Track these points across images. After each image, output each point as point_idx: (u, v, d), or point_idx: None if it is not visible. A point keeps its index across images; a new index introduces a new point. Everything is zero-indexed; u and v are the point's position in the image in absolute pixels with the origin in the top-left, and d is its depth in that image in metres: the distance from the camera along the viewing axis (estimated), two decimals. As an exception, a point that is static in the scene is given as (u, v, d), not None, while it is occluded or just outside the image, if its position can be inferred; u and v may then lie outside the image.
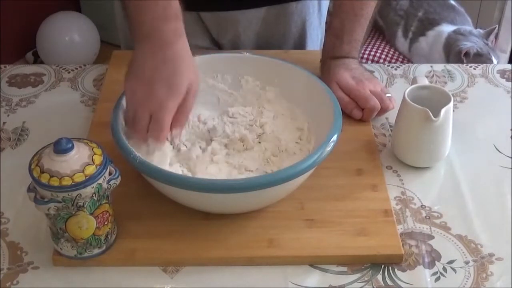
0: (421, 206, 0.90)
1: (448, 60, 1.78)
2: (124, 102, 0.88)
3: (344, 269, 0.81)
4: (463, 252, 0.84)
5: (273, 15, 1.19)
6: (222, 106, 0.99)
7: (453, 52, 1.77)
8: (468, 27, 1.89)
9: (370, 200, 0.88)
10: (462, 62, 1.64)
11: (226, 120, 0.96)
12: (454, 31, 1.83)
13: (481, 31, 1.85)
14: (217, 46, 1.24)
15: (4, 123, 1.04)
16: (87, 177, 0.72)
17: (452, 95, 0.94)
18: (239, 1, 1.16)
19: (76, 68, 1.17)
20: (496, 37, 1.96)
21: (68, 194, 0.72)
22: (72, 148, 0.72)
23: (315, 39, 1.28)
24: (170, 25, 0.83)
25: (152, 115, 0.82)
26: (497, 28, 1.89)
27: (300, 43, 1.25)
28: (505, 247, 0.84)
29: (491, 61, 1.75)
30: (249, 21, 1.19)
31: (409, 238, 0.85)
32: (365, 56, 1.92)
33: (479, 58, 1.74)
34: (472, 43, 1.76)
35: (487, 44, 1.79)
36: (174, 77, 0.82)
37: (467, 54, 1.74)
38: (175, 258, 0.81)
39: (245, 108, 0.98)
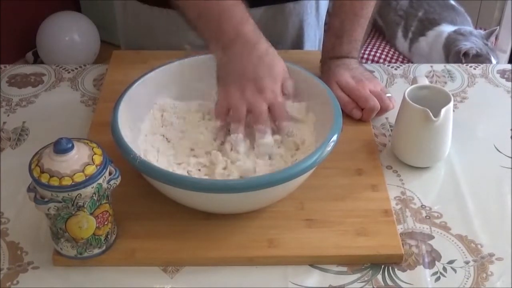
0: (421, 206, 0.90)
1: (447, 60, 1.78)
2: (124, 102, 0.88)
3: (344, 269, 0.81)
4: (463, 252, 0.84)
5: (271, 15, 1.19)
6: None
7: (453, 52, 1.77)
8: (469, 27, 1.88)
9: (370, 200, 0.88)
10: (461, 62, 1.64)
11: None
12: (454, 31, 1.83)
13: (482, 31, 1.85)
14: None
15: (4, 123, 1.04)
16: (87, 177, 0.72)
17: (452, 95, 0.94)
18: None
19: (76, 68, 1.17)
20: (496, 37, 1.96)
21: (68, 194, 0.72)
22: (72, 148, 0.72)
23: (313, 39, 1.28)
24: (250, 27, 0.88)
25: (269, 105, 0.87)
26: (498, 29, 1.89)
27: (298, 43, 1.25)
28: (505, 247, 0.84)
29: (490, 62, 1.75)
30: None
31: (409, 238, 0.85)
32: (365, 56, 1.92)
33: (478, 58, 1.74)
34: (472, 43, 1.76)
35: (486, 45, 1.79)
36: (273, 68, 0.88)
37: (466, 54, 1.74)
38: (175, 258, 0.81)
39: None
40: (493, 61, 1.76)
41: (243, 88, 0.87)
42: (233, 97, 0.87)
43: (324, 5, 1.27)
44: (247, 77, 0.87)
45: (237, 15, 0.88)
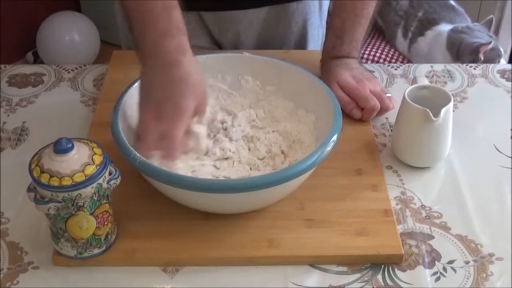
0: (421, 206, 0.90)
1: (456, 59, 1.75)
2: (124, 101, 0.88)
3: (344, 269, 0.81)
4: (463, 252, 0.84)
5: (274, 15, 1.19)
6: (222, 106, 0.99)
7: (469, 50, 1.73)
8: (464, 24, 1.86)
9: (370, 200, 0.88)
10: (478, 60, 1.63)
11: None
12: (452, 30, 1.81)
13: (478, 24, 1.83)
14: (217, 46, 1.24)
15: (4, 123, 1.04)
16: (87, 177, 0.72)
17: (452, 95, 0.94)
18: (240, 1, 1.16)
19: (76, 68, 1.17)
20: (496, 36, 1.95)
21: (68, 194, 0.72)
22: (72, 148, 0.72)
23: (316, 38, 1.28)
24: (173, 42, 0.80)
25: (162, 135, 0.81)
26: (493, 18, 1.87)
27: (301, 43, 1.25)
28: (505, 247, 0.84)
29: (500, 52, 1.74)
30: (250, 21, 1.19)
31: (409, 238, 0.85)
32: (365, 56, 1.92)
33: (492, 51, 1.73)
34: (481, 39, 1.74)
35: (491, 36, 1.78)
36: (181, 99, 0.80)
37: (489, 50, 1.72)
38: (175, 258, 0.81)
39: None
40: (501, 50, 1.75)
41: (145, 111, 0.81)
42: (146, 121, 0.81)
43: (326, 4, 1.27)
44: (150, 100, 0.81)
45: (161, 25, 0.79)
